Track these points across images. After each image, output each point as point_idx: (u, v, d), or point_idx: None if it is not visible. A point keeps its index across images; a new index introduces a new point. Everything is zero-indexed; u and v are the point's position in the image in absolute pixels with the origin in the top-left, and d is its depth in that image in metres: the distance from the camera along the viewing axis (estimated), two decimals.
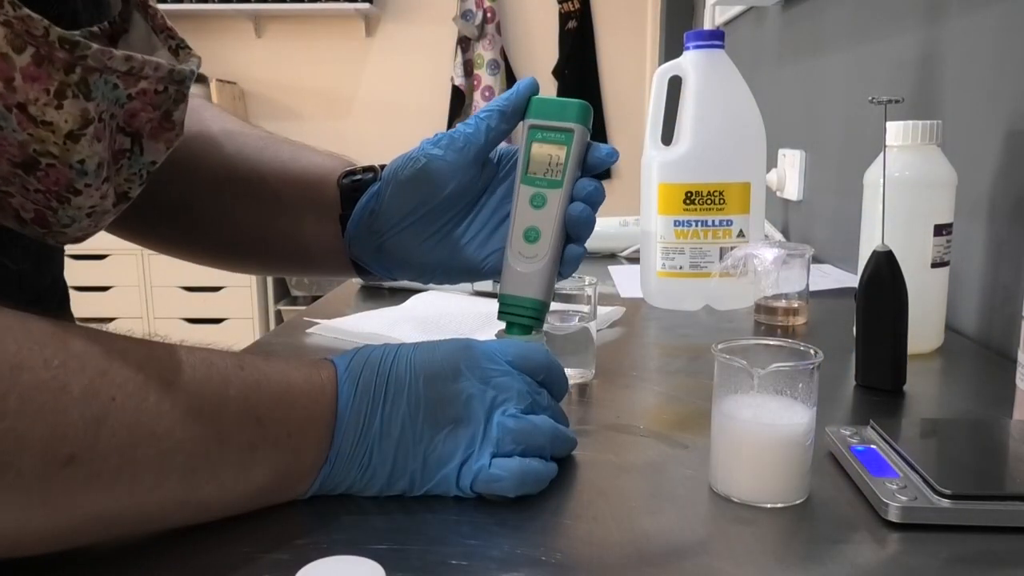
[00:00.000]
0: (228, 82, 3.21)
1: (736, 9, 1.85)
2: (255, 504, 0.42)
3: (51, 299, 0.52)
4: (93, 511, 0.35)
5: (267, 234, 0.61)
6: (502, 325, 0.52)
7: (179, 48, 0.43)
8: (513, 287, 0.52)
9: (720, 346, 0.45)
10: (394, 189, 0.56)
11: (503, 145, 0.57)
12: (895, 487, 0.42)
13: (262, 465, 0.40)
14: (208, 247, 0.64)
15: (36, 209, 0.38)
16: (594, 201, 0.53)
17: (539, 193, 0.52)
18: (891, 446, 0.47)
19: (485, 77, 3.23)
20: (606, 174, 3.32)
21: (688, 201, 0.86)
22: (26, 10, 0.32)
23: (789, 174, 1.44)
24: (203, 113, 0.61)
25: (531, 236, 0.51)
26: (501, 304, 0.52)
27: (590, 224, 0.52)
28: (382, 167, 0.58)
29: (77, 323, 0.47)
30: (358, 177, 0.58)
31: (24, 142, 0.35)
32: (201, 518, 0.40)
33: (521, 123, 0.54)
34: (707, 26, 2.06)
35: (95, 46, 0.35)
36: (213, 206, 0.61)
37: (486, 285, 0.95)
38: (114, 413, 0.34)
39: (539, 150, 0.52)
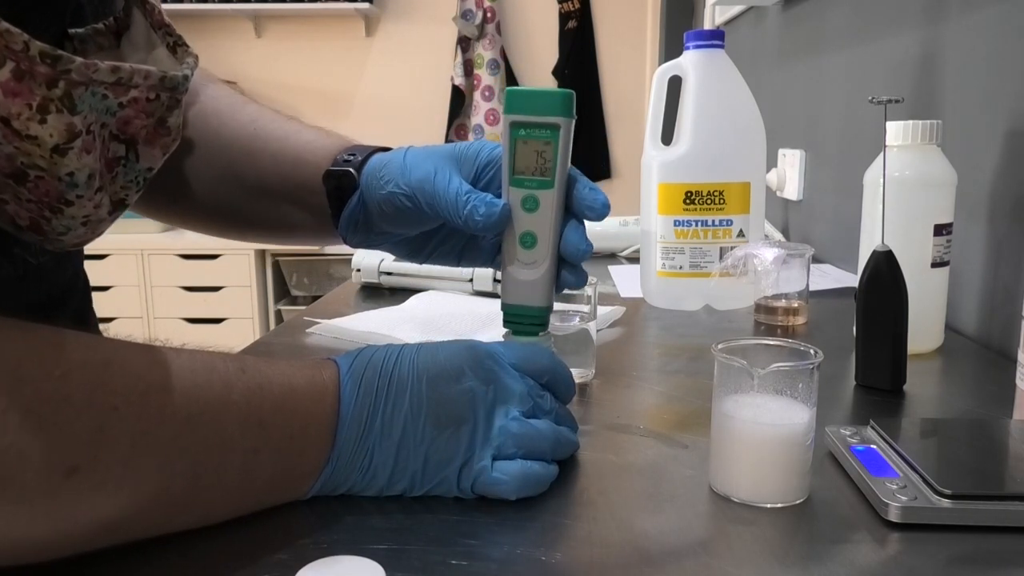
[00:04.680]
0: (228, 82, 3.19)
1: (736, 9, 1.85)
2: (258, 506, 0.42)
3: (73, 291, 0.52)
4: (97, 520, 0.35)
5: (264, 219, 0.62)
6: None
7: (176, 45, 0.42)
8: (516, 296, 0.51)
9: (720, 346, 0.45)
10: (378, 215, 0.55)
11: (490, 145, 0.54)
12: (895, 487, 0.42)
13: (265, 468, 0.40)
14: (204, 223, 0.65)
15: (31, 217, 0.37)
16: (584, 254, 0.50)
17: (530, 195, 0.49)
18: (891, 446, 0.47)
19: (485, 77, 3.23)
20: (606, 173, 3.33)
21: (688, 201, 0.86)
22: (5, 24, 0.31)
23: (789, 174, 1.44)
24: (200, 95, 0.61)
25: (527, 242, 0.50)
26: (505, 314, 0.51)
27: (588, 254, 0.50)
28: (364, 161, 0.55)
29: (85, 325, 0.47)
30: (340, 181, 0.56)
31: (11, 155, 0.34)
32: (205, 522, 0.40)
33: (502, 118, 0.50)
34: (707, 26, 2.06)
35: (78, 60, 0.34)
36: (209, 192, 0.61)
37: (486, 285, 0.95)
38: (116, 422, 0.34)
39: (525, 148, 0.49)
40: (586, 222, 0.51)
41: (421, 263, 0.59)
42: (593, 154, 3.28)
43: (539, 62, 3.28)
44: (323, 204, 0.57)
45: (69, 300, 0.51)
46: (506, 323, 0.52)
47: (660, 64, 1.02)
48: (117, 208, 0.42)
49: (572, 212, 0.50)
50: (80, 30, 0.38)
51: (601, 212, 0.50)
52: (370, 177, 0.54)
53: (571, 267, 0.51)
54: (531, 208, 0.50)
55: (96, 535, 0.36)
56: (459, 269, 0.95)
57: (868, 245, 0.68)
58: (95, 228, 0.40)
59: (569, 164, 0.50)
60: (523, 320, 0.51)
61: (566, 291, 0.53)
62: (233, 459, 0.39)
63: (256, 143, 0.59)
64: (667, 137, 0.89)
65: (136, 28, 0.41)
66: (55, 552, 0.35)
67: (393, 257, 1.00)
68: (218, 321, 2.97)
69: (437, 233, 0.57)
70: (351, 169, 0.55)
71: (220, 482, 0.39)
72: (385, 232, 0.56)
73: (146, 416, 0.35)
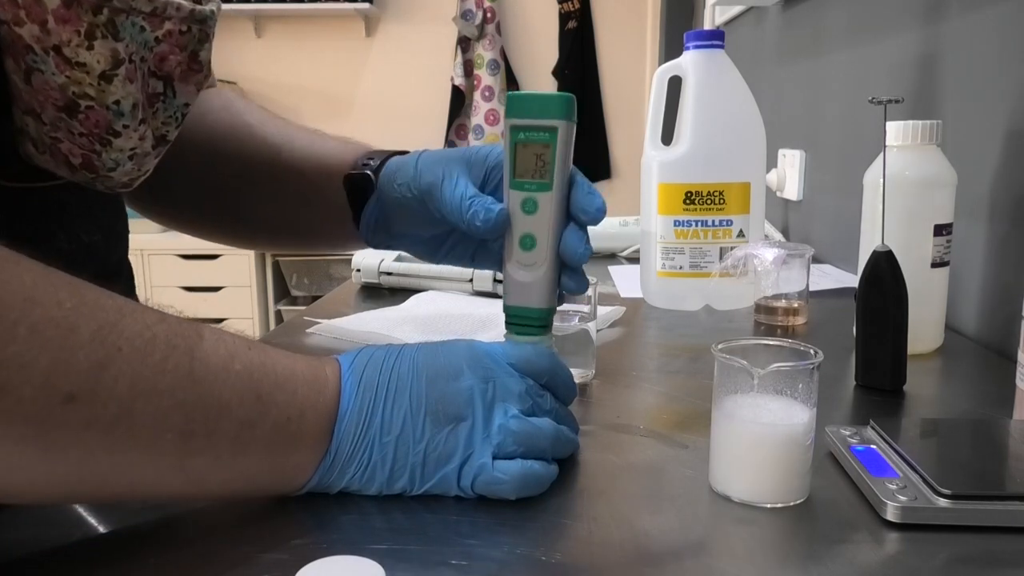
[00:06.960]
0: (228, 82, 3.21)
1: (736, 9, 1.85)
2: (251, 489, 0.41)
3: (119, 275, 0.55)
4: (88, 459, 0.35)
5: (290, 222, 0.66)
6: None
7: None
8: (517, 298, 0.51)
9: (720, 346, 0.45)
10: (395, 216, 0.59)
11: (499, 148, 0.55)
12: (895, 487, 0.42)
13: (259, 445, 0.40)
14: (232, 231, 0.70)
15: (83, 153, 0.41)
16: (582, 257, 0.50)
17: (529, 198, 0.50)
18: (891, 446, 0.47)
19: (485, 77, 3.23)
20: (606, 174, 3.33)
21: (688, 201, 0.86)
22: None
23: (789, 174, 1.44)
24: (235, 105, 0.65)
25: (527, 243, 0.50)
26: (507, 315, 0.52)
27: (586, 257, 0.50)
28: (381, 164, 0.59)
29: None
30: (359, 183, 0.60)
31: (63, 85, 0.39)
32: (196, 492, 0.40)
33: (503, 122, 0.51)
34: (707, 26, 2.06)
35: None
36: (238, 196, 0.65)
37: (486, 285, 0.95)
38: (118, 362, 0.35)
39: (524, 151, 0.50)
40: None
41: (438, 263, 0.62)
42: (593, 154, 3.28)
43: (539, 62, 3.28)
44: (345, 206, 0.61)
45: (115, 285, 0.52)
46: (508, 324, 0.52)
47: (660, 64, 1.02)
48: (160, 143, 0.46)
49: (571, 216, 0.51)
50: None
51: (595, 217, 0.50)
52: (386, 180, 0.58)
53: (572, 271, 0.52)
54: (530, 210, 0.50)
55: (85, 479, 0.36)
56: (459, 269, 0.95)
57: (868, 245, 0.68)
58: (141, 163, 0.45)
59: (570, 167, 0.50)
60: (524, 321, 0.51)
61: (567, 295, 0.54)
62: (227, 427, 0.38)
63: (283, 153, 0.64)
64: (667, 137, 0.89)
65: None
66: (43, 491, 0.36)
67: (393, 257, 1.00)
68: (218, 321, 2.96)
69: (451, 235, 0.59)
70: (369, 172, 0.59)
71: (213, 447, 0.38)
72: (403, 233, 0.60)
73: (148, 363, 0.36)
